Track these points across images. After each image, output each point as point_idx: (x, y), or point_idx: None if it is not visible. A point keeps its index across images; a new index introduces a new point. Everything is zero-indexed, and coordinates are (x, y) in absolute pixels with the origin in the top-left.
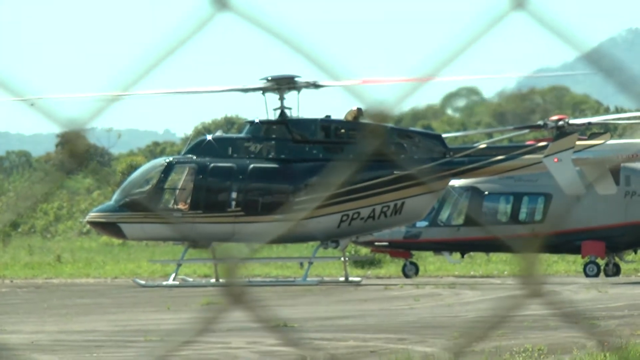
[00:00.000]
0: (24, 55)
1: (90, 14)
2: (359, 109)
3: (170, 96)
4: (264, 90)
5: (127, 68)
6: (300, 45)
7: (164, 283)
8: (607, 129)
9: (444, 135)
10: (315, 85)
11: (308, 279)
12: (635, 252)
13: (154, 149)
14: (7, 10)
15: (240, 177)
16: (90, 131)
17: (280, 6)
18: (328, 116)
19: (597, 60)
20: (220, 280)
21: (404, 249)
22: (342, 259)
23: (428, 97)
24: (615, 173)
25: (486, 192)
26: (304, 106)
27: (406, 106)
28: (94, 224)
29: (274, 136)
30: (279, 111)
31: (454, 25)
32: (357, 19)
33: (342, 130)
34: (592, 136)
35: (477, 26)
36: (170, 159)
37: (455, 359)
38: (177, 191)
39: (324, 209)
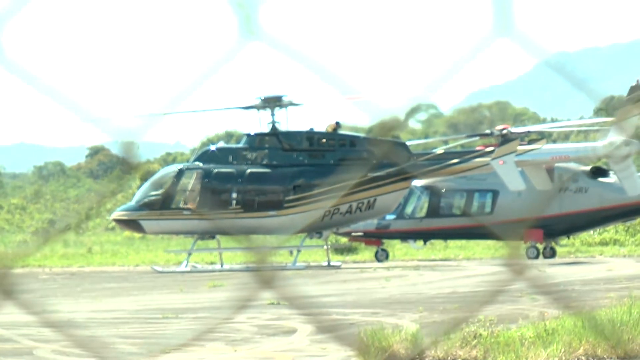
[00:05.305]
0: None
1: (127, 39)
2: (337, 123)
3: (180, 114)
4: (258, 107)
5: (165, 92)
6: (316, 66)
7: (177, 269)
8: (543, 136)
9: (408, 143)
10: (301, 102)
11: (297, 264)
12: (568, 238)
13: (167, 158)
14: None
15: (239, 180)
16: (137, 143)
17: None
18: (311, 129)
19: (559, 66)
20: (252, 266)
21: (376, 237)
22: (325, 247)
23: (396, 111)
24: (550, 172)
25: (443, 190)
26: (292, 120)
27: (375, 119)
28: (118, 221)
29: (266, 146)
30: (270, 125)
31: (442, 45)
32: (360, 40)
33: (324, 140)
34: (531, 142)
35: (467, 52)
36: (181, 166)
37: (453, 330)
38: (187, 192)
39: (310, 205)
